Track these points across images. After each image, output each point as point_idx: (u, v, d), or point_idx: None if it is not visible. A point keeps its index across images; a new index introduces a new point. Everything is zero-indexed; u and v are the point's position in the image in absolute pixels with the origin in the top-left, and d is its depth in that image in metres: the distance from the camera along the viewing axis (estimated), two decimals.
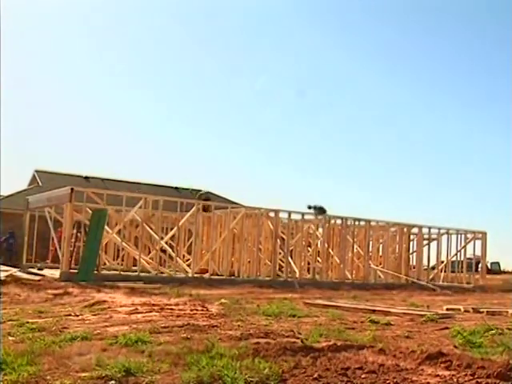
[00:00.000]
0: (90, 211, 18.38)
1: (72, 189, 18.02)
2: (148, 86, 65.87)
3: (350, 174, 71.70)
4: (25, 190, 30.70)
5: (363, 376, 5.04)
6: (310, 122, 70.71)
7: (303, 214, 22.36)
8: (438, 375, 5.20)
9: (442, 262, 26.51)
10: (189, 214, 21.24)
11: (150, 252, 22.59)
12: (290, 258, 22.69)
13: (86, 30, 58.32)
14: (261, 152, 71.04)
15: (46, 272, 18.88)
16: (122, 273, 19.10)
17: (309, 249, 24.31)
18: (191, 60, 66.44)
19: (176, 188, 35.10)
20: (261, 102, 70.79)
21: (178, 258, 20.80)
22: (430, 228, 25.80)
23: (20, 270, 19.95)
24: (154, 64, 65.29)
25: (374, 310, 11.69)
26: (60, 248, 18.75)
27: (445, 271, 26.54)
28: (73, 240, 18.94)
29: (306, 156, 71.81)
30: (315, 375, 4.98)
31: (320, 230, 23.68)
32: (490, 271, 33.75)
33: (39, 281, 16.45)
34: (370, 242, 25.11)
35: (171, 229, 22.63)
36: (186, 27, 63.54)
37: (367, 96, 68.45)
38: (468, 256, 27.08)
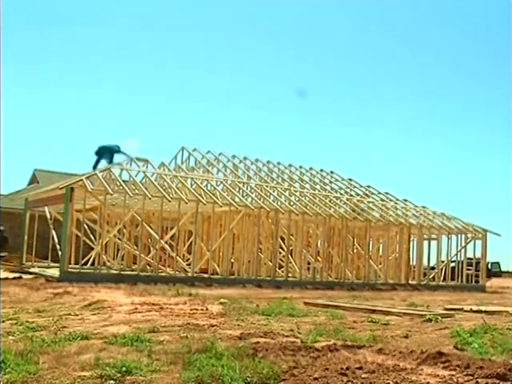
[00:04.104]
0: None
1: (72, 188, 18.01)
2: (147, 86, 65.87)
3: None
4: (25, 189, 30.69)
5: (363, 376, 5.03)
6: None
7: (304, 214, 22.35)
8: (437, 375, 5.19)
9: (443, 262, 26.51)
10: (189, 213, 21.26)
11: (149, 251, 22.59)
12: (290, 258, 22.68)
13: (87, 27, 58.28)
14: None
15: None
16: (121, 272, 19.10)
17: (309, 248, 24.30)
18: (191, 59, 66.43)
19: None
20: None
21: (178, 258, 20.79)
22: (430, 228, 25.80)
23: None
24: (152, 63, 65.27)
25: (373, 310, 11.69)
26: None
27: (445, 271, 26.54)
28: None
29: None
30: (315, 375, 4.97)
31: (320, 229, 23.67)
32: (489, 272, 33.61)
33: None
34: (370, 242, 25.11)
35: (171, 228, 22.63)
36: (181, 24, 63.57)
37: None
38: (468, 256, 27.06)
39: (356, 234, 24.76)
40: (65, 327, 7.42)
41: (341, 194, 26.60)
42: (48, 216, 22.74)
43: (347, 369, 5.22)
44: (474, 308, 13.15)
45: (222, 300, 12.03)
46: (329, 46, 65.61)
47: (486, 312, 12.48)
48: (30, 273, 19.65)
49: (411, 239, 25.99)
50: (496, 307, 13.93)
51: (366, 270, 24.00)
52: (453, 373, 5.28)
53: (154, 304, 10.60)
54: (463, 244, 26.38)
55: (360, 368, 5.28)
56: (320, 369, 5.23)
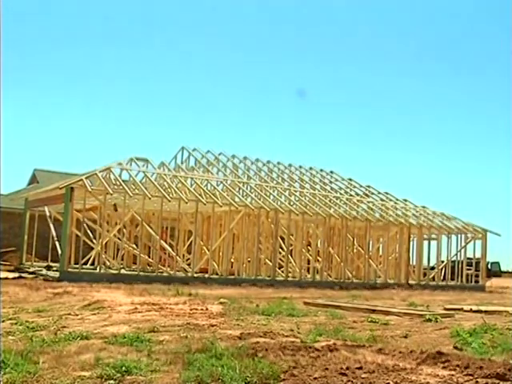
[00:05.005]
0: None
1: (72, 188, 18.01)
2: (147, 85, 65.89)
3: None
4: (25, 189, 30.69)
5: (363, 376, 5.03)
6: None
7: (303, 214, 22.34)
8: (437, 375, 5.19)
9: (442, 262, 26.51)
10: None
11: (149, 251, 22.59)
12: (290, 258, 22.68)
13: (87, 25, 58.32)
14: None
15: None
16: (121, 272, 19.09)
17: (309, 248, 24.30)
18: (191, 58, 66.46)
19: None
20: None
21: (177, 257, 20.80)
22: (430, 228, 25.80)
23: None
24: (152, 63, 65.33)
25: (373, 310, 11.69)
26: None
27: (445, 271, 26.54)
28: None
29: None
30: (315, 375, 4.97)
31: (320, 229, 23.67)
32: (489, 271, 33.58)
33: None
34: (370, 242, 25.11)
35: (171, 228, 22.63)
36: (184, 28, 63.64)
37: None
38: (468, 256, 27.06)
39: (356, 234, 24.75)
40: (65, 327, 7.41)
41: (341, 193, 26.60)
42: (48, 216, 22.74)
43: (347, 369, 5.21)
44: (474, 308, 13.15)
45: (221, 300, 12.02)
46: (329, 46, 65.65)
47: (485, 312, 12.48)
48: (30, 273, 19.64)
49: (411, 239, 25.99)
50: (496, 307, 13.93)
51: (365, 270, 24.00)
52: (452, 373, 5.28)
53: (153, 304, 10.60)
54: (463, 244, 26.39)
55: (360, 368, 5.27)
56: (320, 369, 5.23)
